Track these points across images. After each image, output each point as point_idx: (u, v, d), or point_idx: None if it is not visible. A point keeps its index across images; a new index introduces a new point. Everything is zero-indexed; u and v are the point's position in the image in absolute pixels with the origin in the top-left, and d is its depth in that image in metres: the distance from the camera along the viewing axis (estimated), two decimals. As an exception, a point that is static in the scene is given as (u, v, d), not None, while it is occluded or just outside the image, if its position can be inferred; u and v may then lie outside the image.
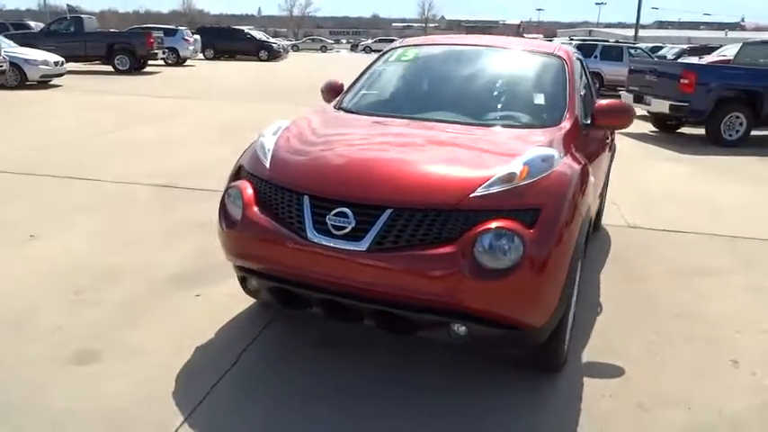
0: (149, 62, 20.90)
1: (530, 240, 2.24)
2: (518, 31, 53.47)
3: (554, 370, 2.77)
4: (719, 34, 61.94)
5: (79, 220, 4.75)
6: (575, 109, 3.22)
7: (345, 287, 2.43)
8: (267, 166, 2.71)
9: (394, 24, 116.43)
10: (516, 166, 2.44)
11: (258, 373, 2.76)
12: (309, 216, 2.44)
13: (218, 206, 2.80)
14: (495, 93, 3.43)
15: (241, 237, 2.62)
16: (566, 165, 2.61)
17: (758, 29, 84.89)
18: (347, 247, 2.34)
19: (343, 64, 33.16)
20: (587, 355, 2.99)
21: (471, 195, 2.34)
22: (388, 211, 2.33)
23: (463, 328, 2.36)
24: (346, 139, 3.02)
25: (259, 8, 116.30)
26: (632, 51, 17.63)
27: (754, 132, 9.72)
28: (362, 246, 2.32)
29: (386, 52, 3.94)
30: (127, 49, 19.62)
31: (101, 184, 5.85)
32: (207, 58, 30.04)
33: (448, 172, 2.48)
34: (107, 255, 4.02)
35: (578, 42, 17.89)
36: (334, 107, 3.57)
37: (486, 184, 2.37)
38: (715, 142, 9.59)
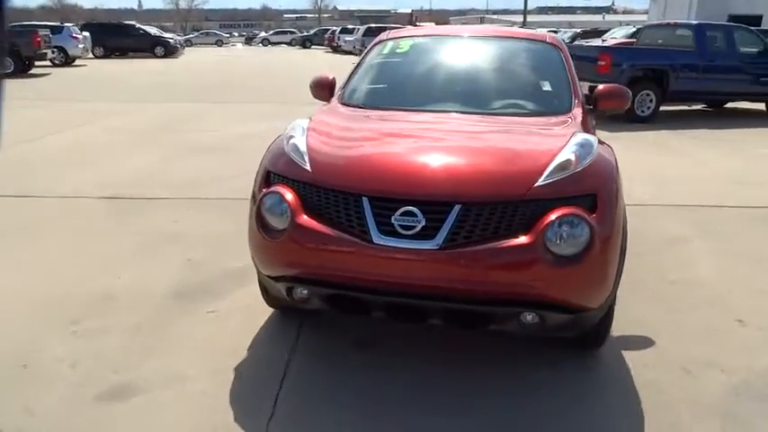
0: (36, 63, 19.19)
1: (595, 225, 2.31)
2: (411, 20, 54.57)
3: (599, 346, 2.88)
4: (597, 17, 66.44)
5: (31, 242, 4.30)
6: (579, 95, 3.34)
7: (415, 287, 2.38)
8: (308, 168, 2.58)
9: (286, 16, 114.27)
10: (569, 153, 2.51)
11: (313, 382, 2.66)
12: (372, 218, 2.36)
13: (252, 216, 2.64)
14: (504, 82, 3.50)
15: (292, 246, 2.48)
16: (602, 149, 2.71)
17: (627, 11, 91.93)
18: (419, 247, 2.30)
19: (255, 58, 32.30)
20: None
21: (536, 185, 2.37)
22: (457, 207, 2.31)
23: (534, 317, 2.39)
24: (387, 136, 2.96)
25: (139, 1, 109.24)
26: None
27: (662, 108, 10.55)
28: (435, 244, 2.29)
29: (377, 44, 3.87)
30: (10, 49, 17.86)
31: (38, 201, 5.32)
32: (97, 57, 28.00)
33: (509, 163, 2.50)
34: (86, 280, 3.66)
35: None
36: (343, 103, 3.46)
37: (547, 173, 2.41)
38: (630, 119, 10.28)
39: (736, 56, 10.59)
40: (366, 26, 33.81)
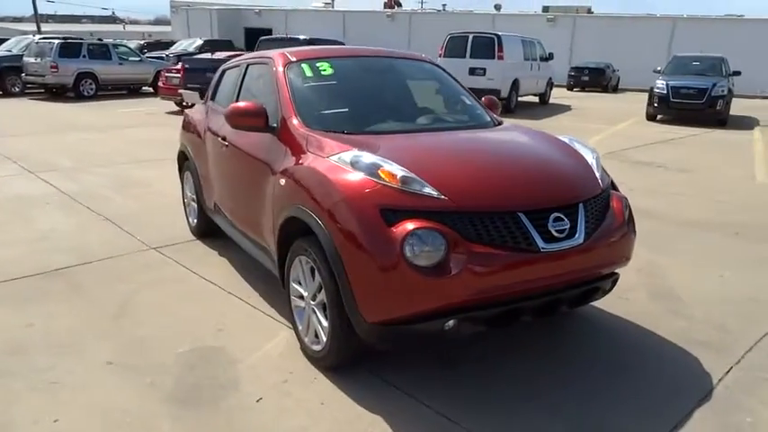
0: None
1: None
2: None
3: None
4: (108, 27, 64.45)
5: None
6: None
7: (561, 282, 2.71)
8: (443, 197, 2.52)
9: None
10: (586, 152, 3.21)
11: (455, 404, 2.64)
12: (534, 229, 2.57)
13: (398, 260, 2.40)
14: (443, 98, 3.82)
15: (463, 277, 2.42)
16: None
17: (133, 22, 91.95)
18: (571, 245, 2.64)
19: None
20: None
21: (599, 178, 3.01)
22: (581, 205, 2.76)
23: (611, 283, 3.03)
24: (468, 154, 2.99)
25: None
26: (121, 49, 17.32)
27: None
28: (579, 239, 2.68)
29: (290, 69, 3.54)
30: None
31: None
32: None
33: (579, 164, 3.03)
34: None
35: (61, 42, 16.19)
36: (326, 131, 3.14)
37: (595, 168, 3.08)
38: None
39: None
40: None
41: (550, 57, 17.50)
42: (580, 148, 3.21)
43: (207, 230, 4.86)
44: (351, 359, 2.84)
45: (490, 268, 2.47)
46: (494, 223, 2.53)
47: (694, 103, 13.02)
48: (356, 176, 2.62)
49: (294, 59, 3.63)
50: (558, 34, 31.54)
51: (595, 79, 24.95)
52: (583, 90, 25.21)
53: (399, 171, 2.58)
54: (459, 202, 2.53)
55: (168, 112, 13.77)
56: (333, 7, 47.09)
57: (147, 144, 9.60)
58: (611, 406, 2.67)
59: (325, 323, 2.79)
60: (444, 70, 4.18)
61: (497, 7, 39.28)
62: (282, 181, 3.02)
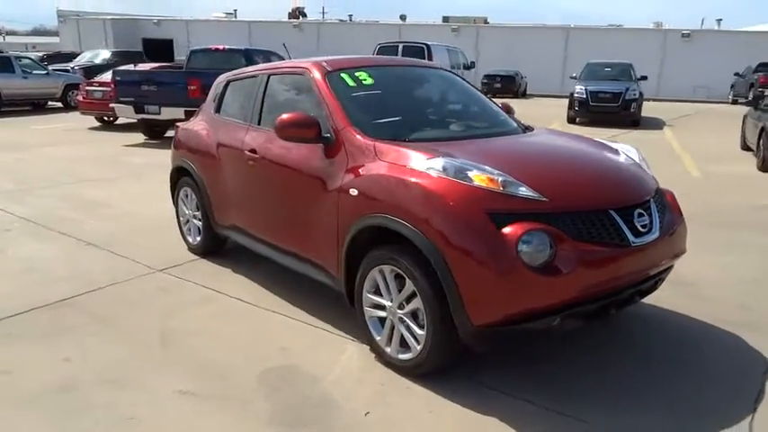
0: None
1: None
2: None
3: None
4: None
5: None
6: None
7: (643, 275, 2.86)
8: (544, 198, 2.61)
9: None
10: (631, 150, 3.43)
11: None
12: (624, 225, 2.72)
13: (514, 262, 2.45)
14: (476, 105, 3.90)
15: (574, 274, 2.53)
16: None
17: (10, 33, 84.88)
18: (652, 239, 2.81)
19: None
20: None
21: (651, 174, 3.23)
22: (651, 201, 2.95)
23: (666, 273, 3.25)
24: (542, 157, 3.10)
25: None
26: (24, 61, 15.91)
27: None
28: (656, 233, 2.86)
29: (331, 79, 3.47)
30: None
31: None
32: None
33: (635, 164, 3.23)
34: None
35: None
36: (394, 140, 3.13)
37: (645, 165, 3.29)
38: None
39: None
40: None
41: (472, 65, 18.21)
42: (624, 148, 3.42)
43: (212, 249, 4.65)
44: (445, 365, 2.84)
45: (596, 264, 2.59)
46: (591, 221, 2.65)
47: (611, 105, 14.06)
48: (455, 183, 2.64)
49: (331, 69, 3.58)
50: (463, 43, 32.69)
51: (507, 86, 26.22)
52: (495, 96, 26.36)
53: (498, 175, 2.64)
54: (556, 202, 2.63)
55: (91, 128, 12.89)
56: (235, 17, 46.01)
57: (83, 162, 8.94)
58: (692, 390, 2.85)
59: (420, 331, 2.77)
60: (463, 78, 4.29)
61: (403, 17, 40.14)
62: (354, 192, 2.97)
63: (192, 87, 10.15)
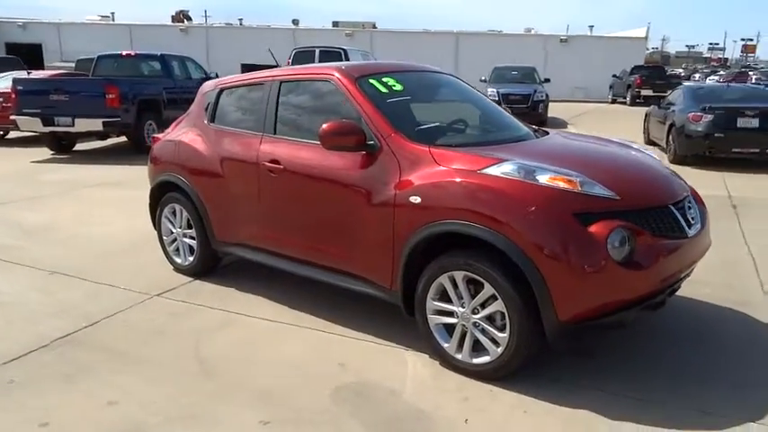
0: None
1: None
2: None
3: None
4: None
5: None
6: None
7: (692, 264, 3.07)
8: (616, 197, 2.74)
9: None
10: (649, 150, 3.68)
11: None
12: (682, 219, 2.92)
13: (605, 259, 2.57)
14: (492, 110, 3.96)
15: (655, 267, 2.70)
16: None
17: None
18: (697, 231, 3.03)
19: None
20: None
21: None
22: (690, 196, 3.19)
23: None
24: (591, 158, 3.21)
25: None
26: None
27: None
28: (698, 225, 3.08)
29: (362, 86, 3.39)
30: None
31: None
32: None
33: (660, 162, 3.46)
34: None
35: None
36: (437, 144, 3.13)
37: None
38: (142, 151, 10.13)
39: (195, 81, 11.91)
40: None
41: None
42: (643, 148, 3.67)
43: (207, 268, 4.37)
44: (524, 364, 2.89)
45: (668, 256, 2.77)
46: (658, 216, 2.82)
47: (521, 107, 14.81)
48: (537, 186, 2.71)
49: (359, 75, 3.49)
50: (357, 47, 33.24)
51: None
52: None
53: (576, 176, 2.74)
54: (627, 200, 2.77)
55: (-20, 144, 11.56)
56: (113, 20, 43.11)
57: (-5, 182, 8.02)
58: (733, 366, 3.13)
59: (500, 333, 2.80)
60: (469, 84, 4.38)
61: (295, 22, 39.75)
62: (416, 199, 2.94)
63: (111, 96, 9.43)
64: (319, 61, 14.64)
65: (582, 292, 2.61)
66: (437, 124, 3.46)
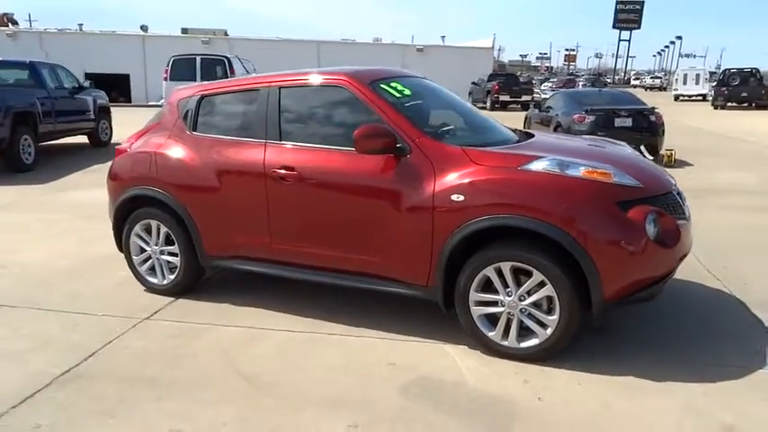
0: None
1: None
2: None
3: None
4: None
5: None
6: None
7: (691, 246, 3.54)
8: (641, 185, 3.10)
9: None
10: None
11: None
12: (682, 203, 3.37)
13: (645, 240, 2.92)
14: (482, 116, 4.20)
15: (680, 244, 3.11)
16: None
17: None
18: (689, 213, 3.50)
19: None
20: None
21: None
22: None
23: None
24: (602, 154, 3.51)
25: None
26: None
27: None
28: (688, 212, 3.56)
29: (376, 90, 3.41)
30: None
31: None
32: None
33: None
34: None
35: None
36: (454, 146, 3.26)
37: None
38: (18, 169, 9.05)
39: (68, 91, 10.86)
40: None
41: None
42: (623, 144, 4.13)
43: (191, 286, 4.13)
44: (569, 343, 3.14)
45: (686, 235, 3.20)
46: (670, 201, 3.23)
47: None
48: (578, 179, 2.99)
49: (371, 80, 3.54)
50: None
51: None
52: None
53: (610, 168, 3.06)
54: (650, 187, 3.16)
55: None
56: None
57: None
58: (729, 334, 3.59)
59: (550, 317, 3.03)
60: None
61: (144, 28, 37.29)
62: (459, 197, 3.08)
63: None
64: (201, 69, 14.07)
65: (626, 272, 2.94)
66: (455, 127, 3.63)
